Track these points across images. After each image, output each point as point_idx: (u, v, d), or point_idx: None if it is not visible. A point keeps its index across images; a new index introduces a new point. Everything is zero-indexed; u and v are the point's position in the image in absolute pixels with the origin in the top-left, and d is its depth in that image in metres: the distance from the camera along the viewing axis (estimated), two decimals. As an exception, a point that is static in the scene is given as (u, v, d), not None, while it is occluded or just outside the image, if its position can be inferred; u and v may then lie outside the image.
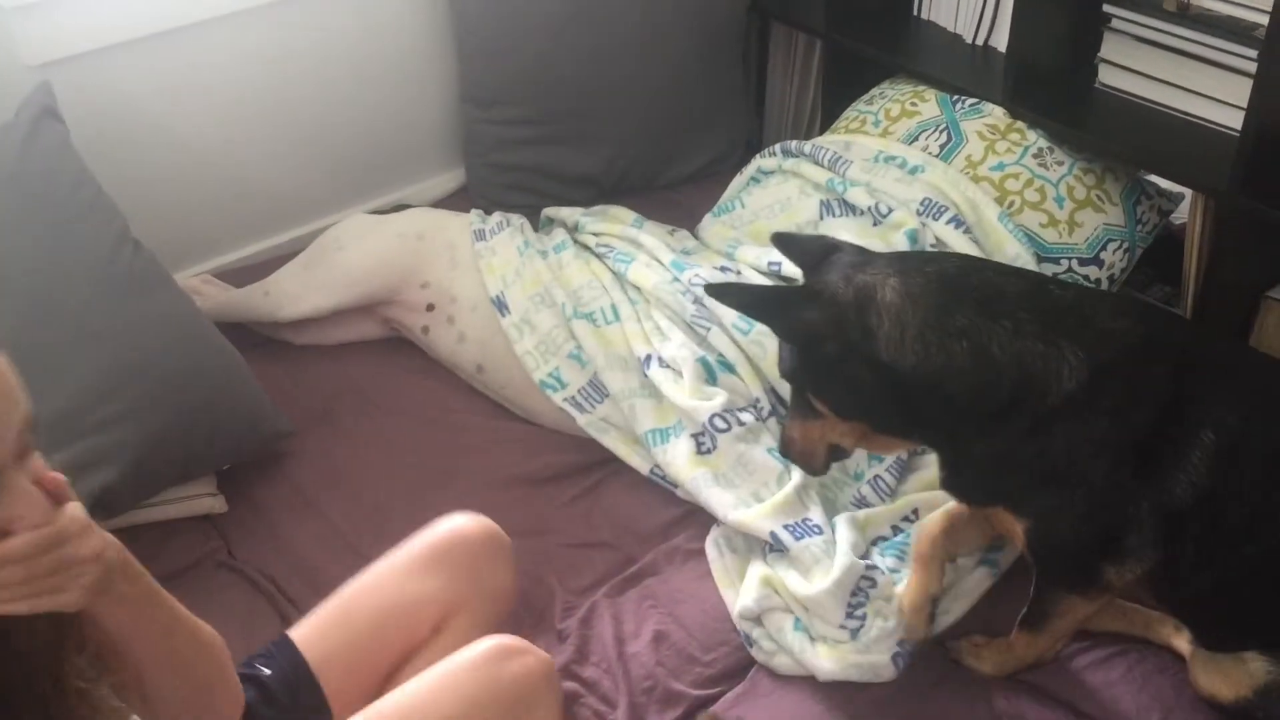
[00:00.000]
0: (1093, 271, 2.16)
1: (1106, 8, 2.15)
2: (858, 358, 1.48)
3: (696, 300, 2.04)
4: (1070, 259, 2.15)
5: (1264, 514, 1.47)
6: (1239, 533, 1.48)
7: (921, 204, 2.11)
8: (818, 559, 1.72)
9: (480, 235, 2.26)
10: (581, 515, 1.94)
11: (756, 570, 1.76)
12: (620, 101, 2.57)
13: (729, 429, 1.90)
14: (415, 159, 2.68)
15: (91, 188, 1.91)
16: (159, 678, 1.14)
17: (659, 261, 2.15)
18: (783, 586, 1.71)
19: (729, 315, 2.00)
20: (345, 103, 2.51)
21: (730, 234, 2.31)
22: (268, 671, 1.43)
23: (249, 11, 2.27)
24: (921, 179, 2.17)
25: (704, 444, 1.90)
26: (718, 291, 1.58)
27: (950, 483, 1.61)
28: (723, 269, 2.13)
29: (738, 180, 2.44)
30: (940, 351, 1.45)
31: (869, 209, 2.13)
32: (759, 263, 2.13)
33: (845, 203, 2.17)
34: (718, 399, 1.92)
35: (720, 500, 1.83)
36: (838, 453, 1.66)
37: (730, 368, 1.99)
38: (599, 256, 2.23)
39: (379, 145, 2.60)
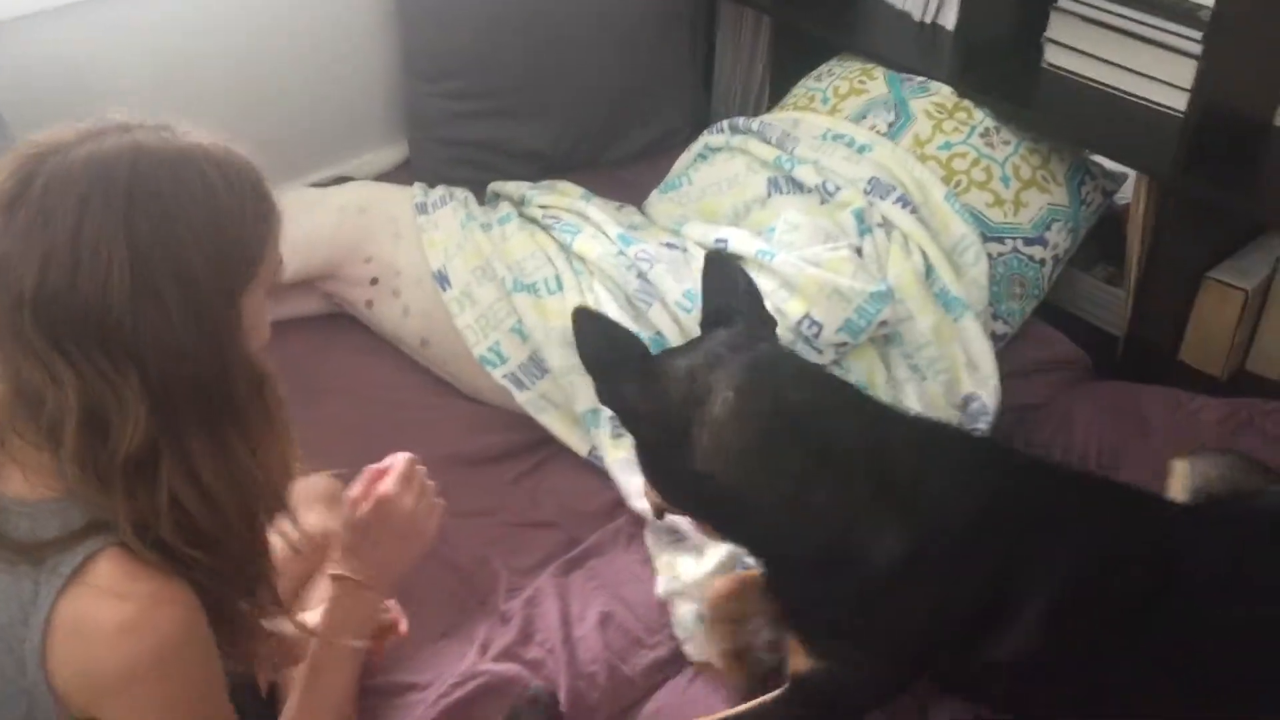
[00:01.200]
0: (1037, 251, 2.17)
1: (1053, -13, 2.16)
2: (672, 454, 1.40)
3: (640, 275, 2.02)
4: (1015, 239, 2.15)
5: (1086, 665, 1.40)
6: (1058, 681, 1.41)
7: (869, 183, 2.10)
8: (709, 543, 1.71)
9: (422, 209, 2.22)
10: (526, 494, 1.92)
11: (664, 557, 1.74)
12: (568, 77, 2.54)
13: None
14: (357, 132, 2.63)
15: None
16: None
17: (605, 235, 2.13)
18: (681, 571, 1.70)
19: (672, 293, 1.97)
20: (286, 73, 2.45)
21: (677, 211, 2.29)
22: None
23: (185, -22, 2.22)
24: (869, 158, 2.16)
25: (618, 427, 1.86)
26: (580, 318, 1.47)
27: (767, 583, 1.51)
28: (669, 245, 2.11)
29: (685, 157, 2.42)
30: (759, 485, 1.36)
31: (816, 186, 2.12)
32: (705, 239, 2.11)
33: (793, 180, 2.16)
34: None
35: (631, 486, 1.81)
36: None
37: (669, 342, 1.94)
38: (545, 228, 2.20)
39: (320, 117, 2.55)
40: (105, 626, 0.99)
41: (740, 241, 2.05)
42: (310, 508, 1.64)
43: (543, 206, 2.25)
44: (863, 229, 2.05)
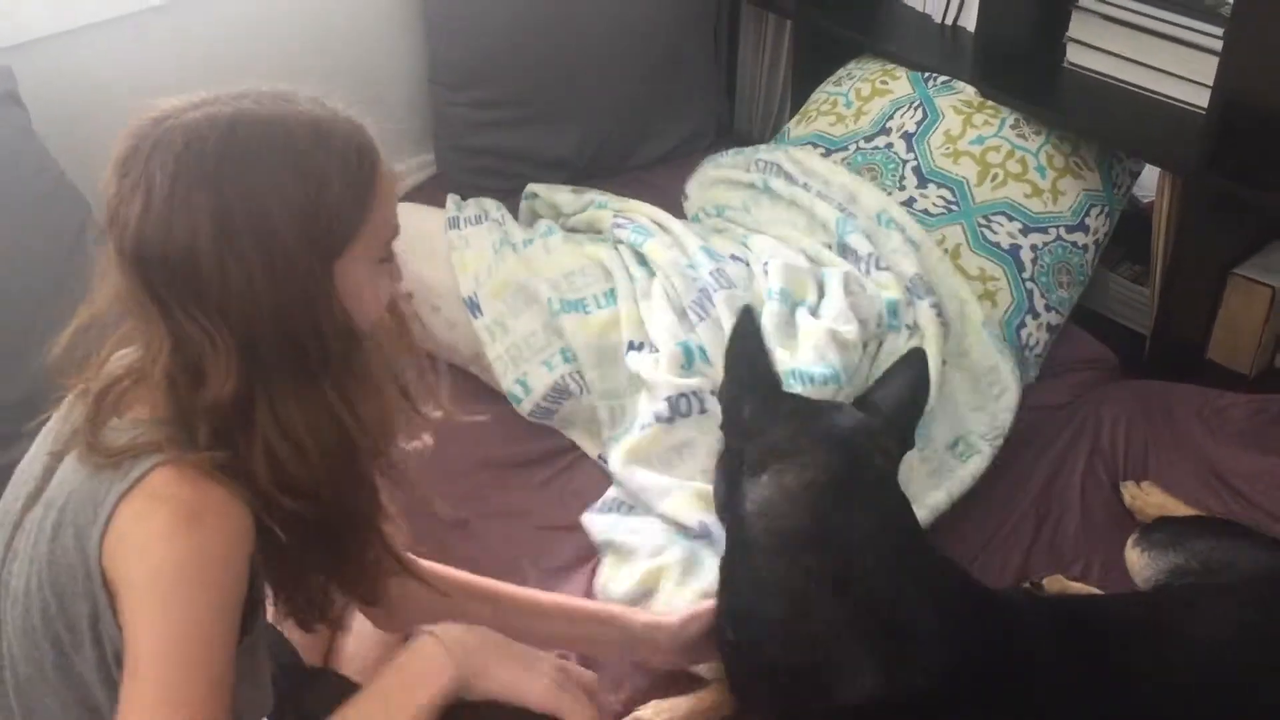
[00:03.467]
0: (1079, 237, 2.17)
1: (1074, -13, 2.16)
2: (737, 475, 1.41)
3: (704, 291, 2.00)
4: (1057, 227, 2.15)
5: None
6: None
7: (911, 280, 2.05)
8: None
9: (454, 223, 2.23)
10: (554, 498, 1.93)
11: (638, 565, 1.71)
12: (591, 83, 2.56)
13: (689, 414, 1.86)
14: (385, 142, 2.62)
15: (53, 175, 1.89)
16: None
17: (683, 246, 2.10)
18: (661, 586, 1.68)
19: (729, 323, 1.94)
20: (313, 85, 2.46)
21: (739, 231, 2.27)
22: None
23: (212, -8, 2.25)
24: (919, 256, 2.10)
25: (659, 417, 1.85)
26: (741, 320, 1.51)
27: (732, 663, 1.48)
28: (734, 256, 2.10)
29: (737, 177, 2.37)
30: (778, 560, 1.35)
31: (867, 257, 2.08)
32: (778, 250, 2.10)
33: (845, 245, 2.13)
34: (693, 380, 1.89)
35: (655, 484, 1.80)
36: None
37: (710, 362, 1.93)
38: (604, 236, 2.19)
39: (348, 128, 2.58)
40: (147, 527, 1.02)
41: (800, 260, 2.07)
42: None
43: (616, 211, 2.25)
44: (893, 324, 1.99)
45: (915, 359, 1.56)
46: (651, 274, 2.06)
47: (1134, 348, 2.26)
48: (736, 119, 2.91)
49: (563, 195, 2.36)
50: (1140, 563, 1.61)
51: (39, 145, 1.90)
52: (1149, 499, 1.86)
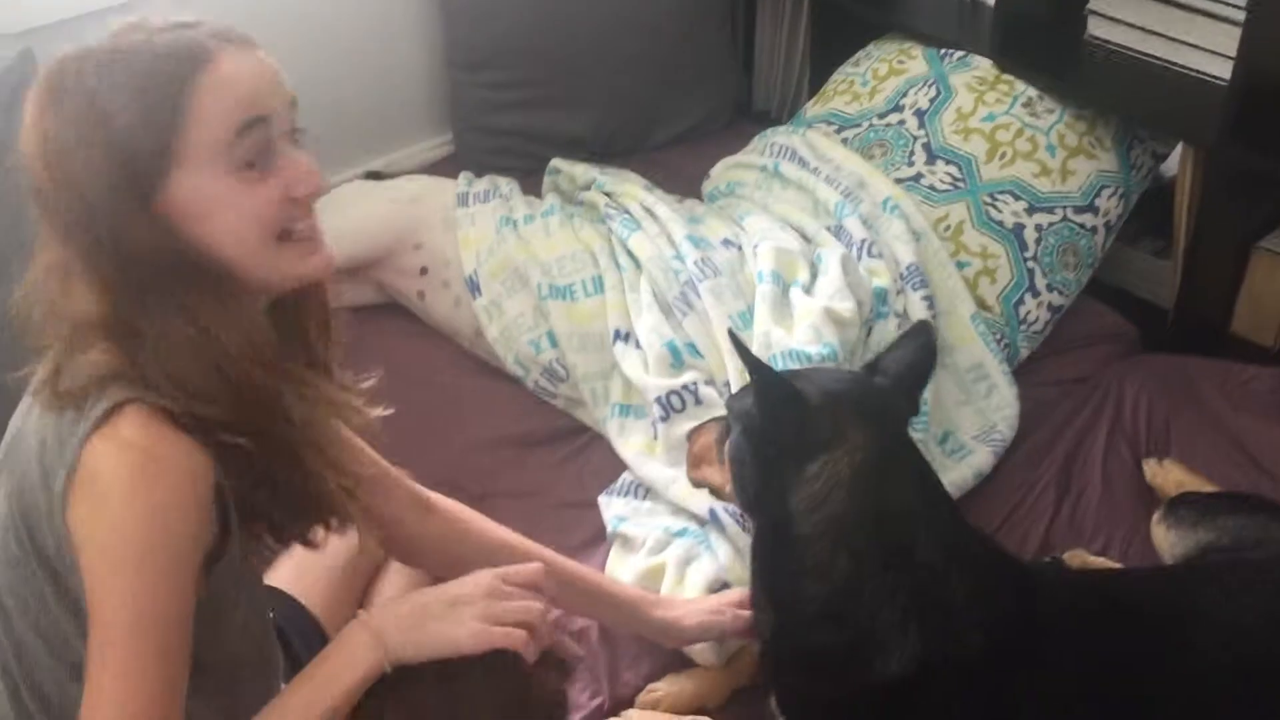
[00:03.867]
0: (1088, 219, 2.14)
1: (1095, -42, 2.14)
2: (776, 472, 1.38)
3: (689, 284, 2.00)
4: (1065, 208, 2.13)
5: None
6: None
7: (909, 268, 2.04)
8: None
9: (463, 200, 2.23)
10: (572, 476, 1.94)
11: (639, 561, 1.71)
12: (608, 63, 2.55)
13: (683, 409, 1.84)
14: (402, 123, 2.67)
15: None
16: None
17: (668, 236, 2.10)
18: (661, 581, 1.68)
19: (716, 316, 1.93)
20: (330, 66, 2.48)
21: (742, 205, 2.27)
22: (271, 613, 1.46)
23: (231, -25, 2.25)
24: (918, 246, 2.09)
25: (655, 419, 1.86)
26: (739, 345, 1.42)
27: (770, 647, 1.48)
28: (727, 241, 2.10)
29: (749, 158, 2.37)
30: (825, 550, 1.33)
31: (861, 243, 2.07)
32: (769, 234, 2.09)
33: (842, 228, 2.12)
34: (684, 376, 1.87)
35: (660, 475, 1.81)
36: (717, 490, 1.59)
37: (700, 354, 1.92)
38: (601, 220, 2.20)
39: (367, 109, 2.58)
40: (110, 475, 1.03)
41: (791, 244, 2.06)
42: None
43: (609, 194, 2.26)
44: (882, 311, 1.98)
45: (922, 330, 1.56)
46: (639, 267, 2.06)
47: (1156, 322, 2.24)
48: (755, 98, 2.90)
49: (578, 168, 2.37)
50: (1168, 539, 1.60)
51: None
52: (1170, 476, 1.85)
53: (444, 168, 2.56)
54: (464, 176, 2.33)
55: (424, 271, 2.19)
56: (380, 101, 2.60)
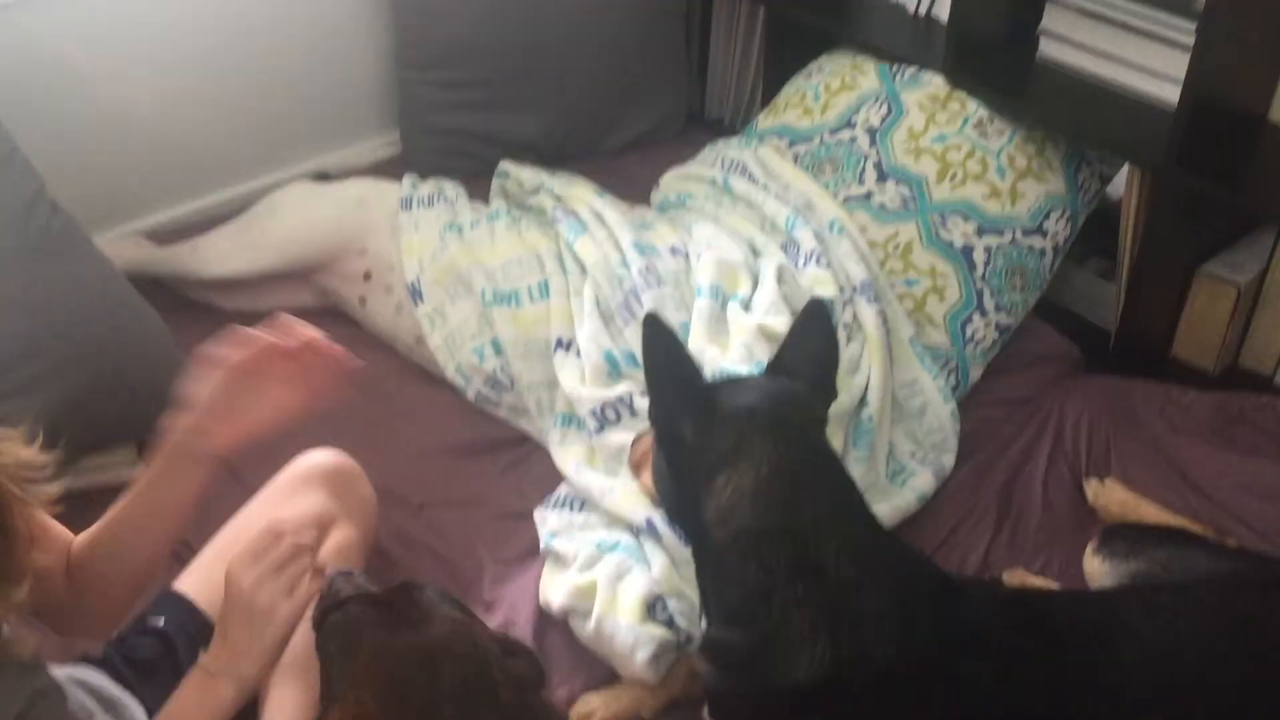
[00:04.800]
0: (1036, 241, 2.15)
1: (1048, -21, 2.15)
2: (688, 487, 1.39)
3: (632, 292, 1.98)
4: (1014, 229, 2.14)
5: None
6: None
7: (861, 283, 2.02)
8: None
9: (406, 204, 2.20)
10: (512, 486, 1.91)
11: (570, 578, 1.68)
12: (561, 66, 2.53)
13: (619, 419, 1.83)
14: (349, 121, 2.63)
15: (4, 146, 1.84)
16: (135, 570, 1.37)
17: (616, 241, 2.08)
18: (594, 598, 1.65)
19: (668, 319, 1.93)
20: (277, 61, 2.44)
21: (691, 215, 2.25)
22: (161, 622, 1.48)
23: (177, -36, 2.21)
24: (866, 264, 2.07)
25: (590, 431, 1.85)
26: (650, 326, 1.43)
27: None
28: (674, 249, 2.08)
29: (699, 169, 2.36)
30: (738, 560, 1.34)
31: (810, 254, 2.06)
32: (715, 242, 2.08)
33: (792, 239, 2.11)
34: (618, 388, 1.86)
35: (598, 484, 1.79)
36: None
37: (638, 364, 1.88)
38: (548, 223, 2.17)
39: (313, 106, 2.55)
40: None
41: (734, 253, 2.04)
42: (309, 487, 1.65)
43: (558, 198, 2.23)
44: None
45: (816, 311, 1.53)
46: (585, 272, 2.04)
47: (1098, 343, 2.25)
48: (708, 106, 2.89)
49: (526, 172, 2.34)
50: (1100, 570, 1.60)
51: (-9, 115, 1.86)
52: (1112, 496, 1.86)
53: (390, 168, 2.52)
54: (408, 179, 2.30)
55: (367, 276, 2.16)
56: (328, 98, 2.56)
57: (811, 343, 1.48)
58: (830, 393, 1.49)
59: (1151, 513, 1.81)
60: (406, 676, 1.21)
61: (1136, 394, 2.04)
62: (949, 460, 1.93)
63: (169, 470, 1.36)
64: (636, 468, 1.66)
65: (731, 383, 1.52)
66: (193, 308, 2.22)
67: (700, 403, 1.39)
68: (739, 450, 1.35)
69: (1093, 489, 1.87)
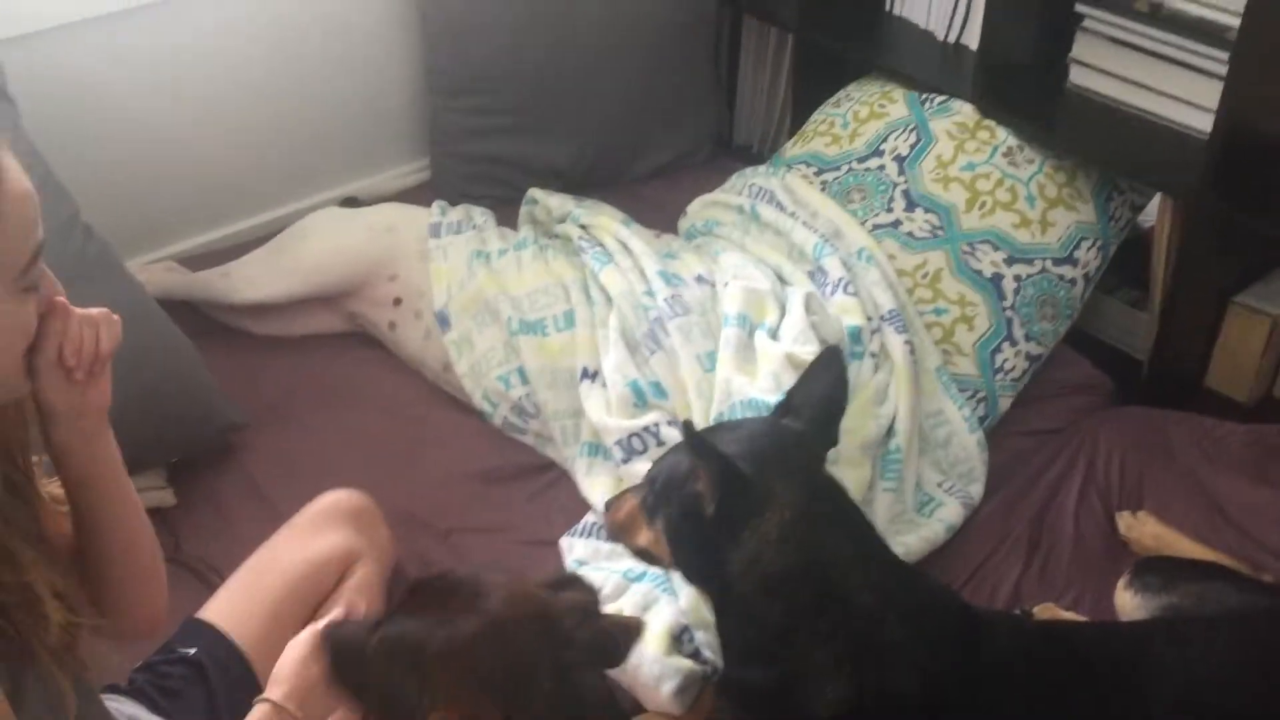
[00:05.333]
0: (1067, 270, 2.14)
1: (1079, 7, 2.14)
2: (711, 542, 1.40)
3: (658, 321, 1.97)
4: (1044, 259, 2.12)
5: None
6: None
7: (889, 312, 2.01)
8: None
9: (435, 230, 2.21)
10: (539, 513, 1.91)
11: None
12: (589, 93, 2.54)
13: (645, 450, 1.83)
14: (381, 147, 2.64)
15: (40, 171, 1.86)
16: (118, 533, 1.22)
17: (641, 270, 2.08)
18: None
19: (683, 355, 1.91)
20: (309, 88, 2.46)
21: (718, 243, 2.25)
22: (192, 651, 1.48)
23: (212, -7, 2.24)
24: (894, 293, 2.06)
25: (617, 461, 1.85)
26: (689, 431, 1.41)
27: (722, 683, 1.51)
28: (700, 278, 2.08)
29: (727, 198, 2.35)
30: (765, 604, 1.37)
31: (838, 282, 2.05)
32: (742, 271, 2.08)
33: (820, 268, 2.10)
34: (645, 418, 1.85)
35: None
36: (646, 554, 1.58)
37: (664, 393, 1.90)
38: (575, 252, 2.17)
39: (344, 133, 2.56)
40: None
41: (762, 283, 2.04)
42: (334, 524, 1.66)
43: (584, 227, 2.23)
44: (855, 351, 1.94)
45: (832, 358, 1.57)
46: (610, 302, 2.04)
47: (1130, 373, 2.23)
48: (736, 133, 2.89)
49: (554, 200, 2.34)
50: (1132, 604, 1.58)
51: (25, 140, 1.88)
52: (1144, 529, 1.83)
53: (421, 193, 2.53)
54: (437, 206, 2.31)
55: (397, 302, 2.16)
56: (359, 125, 2.58)
57: (820, 388, 1.50)
58: (830, 439, 1.52)
59: (1185, 546, 1.79)
60: (489, 663, 1.18)
61: (1170, 425, 2.01)
62: (977, 490, 1.91)
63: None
64: (620, 529, 1.62)
65: (730, 428, 1.52)
66: (225, 333, 2.23)
67: (712, 460, 1.37)
68: (766, 500, 1.37)
69: (1125, 521, 1.85)
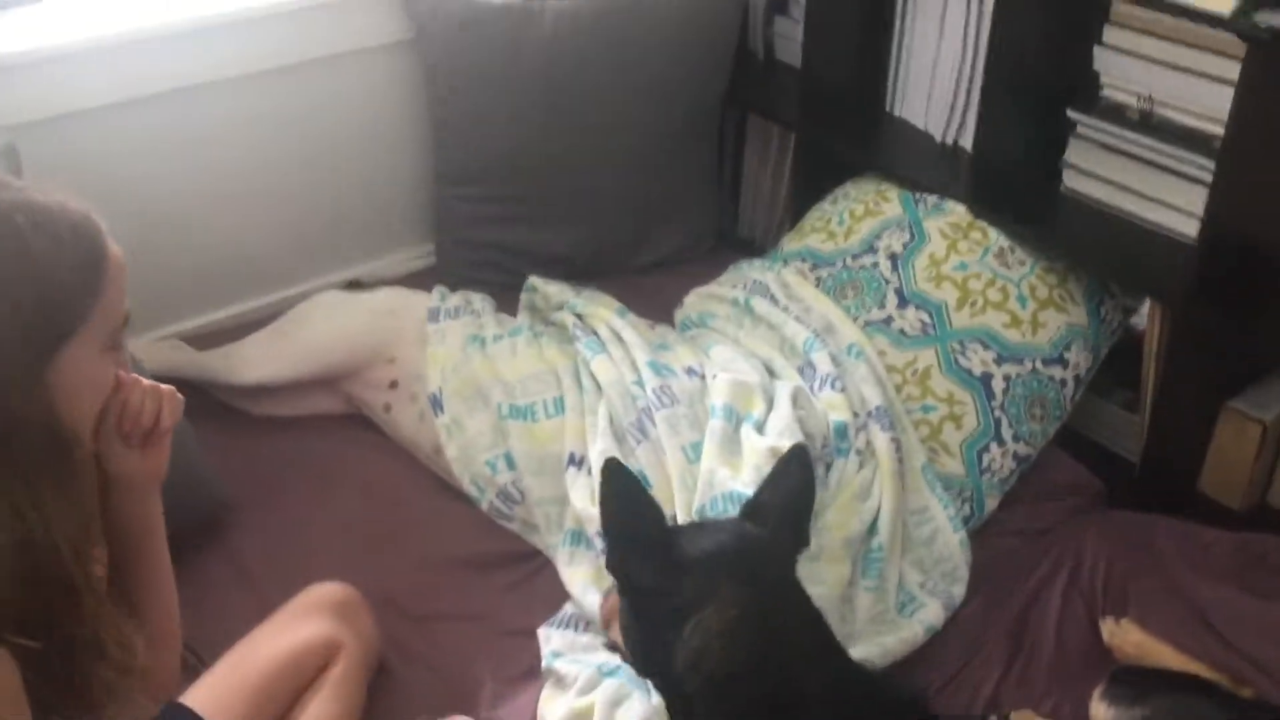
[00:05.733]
0: (1057, 371, 2.14)
1: (1071, 113, 2.17)
2: (657, 634, 1.41)
3: (645, 411, 1.99)
4: (1034, 360, 2.13)
5: None
6: None
7: (876, 409, 2.02)
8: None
9: (434, 315, 2.24)
10: (519, 602, 1.91)
11: (568, 701, 1.67)
12: (592, 185, 2.58)
13: None
14: (387, 232, 2.69)
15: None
16: (149, 594, 1.30)
17: (632, 360, 2.10)
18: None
19: (669, 445, 1.93)
20: (317, 173, 2.52)
21: (712, 336, 2.28)
22: None
23: (226, 81, 2.30)
24: (883, 389, 2.07)
25: (599, 550, 1.84)
26: (610, 471, 1.44)
27: None
28: (690, 370, 2.10)
29: (720, 290, 2.39)
30: (712, 699, 1.36)
31: (826, 377, 2.08)
32: (731, 365, 2.10)
33: (810, 362, 2.13)
34: None
35: (589, 606, 1.80)
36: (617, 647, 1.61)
37: (648, 484, 1.90)
38: (568, 340, 2.20)
39: (350, 217, 2.62)
40: None
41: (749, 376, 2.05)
42: (319, 614, 1.69)
43: (580, 316, 2.26)
44: (841, 447, 1.97)
45: (798, 455, 1.57)
46: (601, 390, 2.05)
47: (1124, 476, 2.21)
48: (740, 226, 2.93)
49: (553, 288, 2.37)
50: (1105, 716, 1.57)
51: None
52: (1128, 637, 1.81)
53: (425, 278, 2.57)
54: (438, 291, 2.34)
55: (393, 385, 2.19)
56: (365, 210, 2.63)
57: (787, 487, 1.51)
58: (799, 539, 1.51)
59: (1167, 656, 1.76)
60: None
61: (1157, 531, 1.99)
62: (959, 591, 1.90)
63: None
64: (606, 623, 1.66)
65: (694, 527, 1.54)
66: (223, 412, 2.26)
67: (663, 549, 1.40)
68: (706, 594, 1.37)
69: (1108, 629, 1.83)
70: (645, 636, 1.44)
